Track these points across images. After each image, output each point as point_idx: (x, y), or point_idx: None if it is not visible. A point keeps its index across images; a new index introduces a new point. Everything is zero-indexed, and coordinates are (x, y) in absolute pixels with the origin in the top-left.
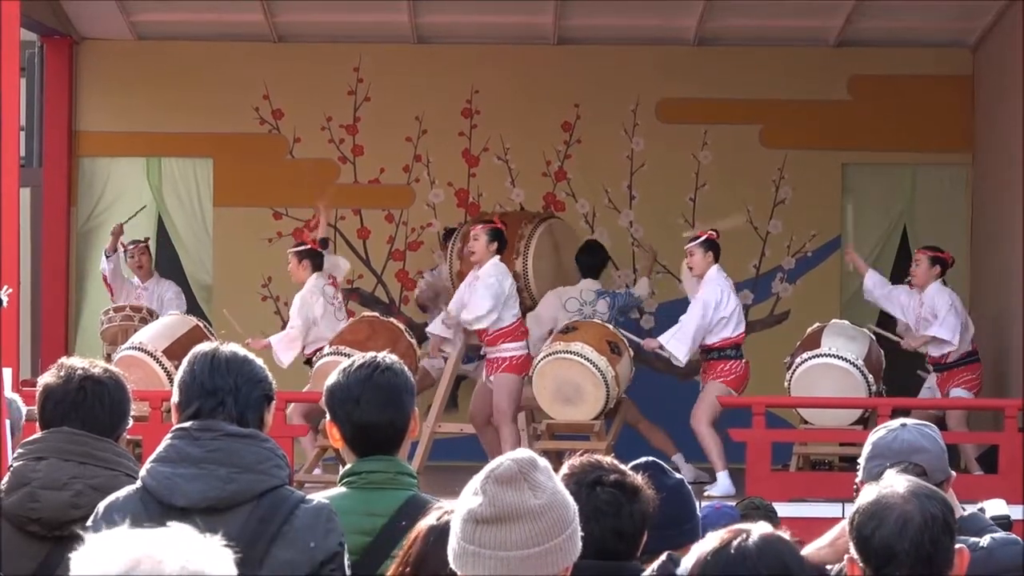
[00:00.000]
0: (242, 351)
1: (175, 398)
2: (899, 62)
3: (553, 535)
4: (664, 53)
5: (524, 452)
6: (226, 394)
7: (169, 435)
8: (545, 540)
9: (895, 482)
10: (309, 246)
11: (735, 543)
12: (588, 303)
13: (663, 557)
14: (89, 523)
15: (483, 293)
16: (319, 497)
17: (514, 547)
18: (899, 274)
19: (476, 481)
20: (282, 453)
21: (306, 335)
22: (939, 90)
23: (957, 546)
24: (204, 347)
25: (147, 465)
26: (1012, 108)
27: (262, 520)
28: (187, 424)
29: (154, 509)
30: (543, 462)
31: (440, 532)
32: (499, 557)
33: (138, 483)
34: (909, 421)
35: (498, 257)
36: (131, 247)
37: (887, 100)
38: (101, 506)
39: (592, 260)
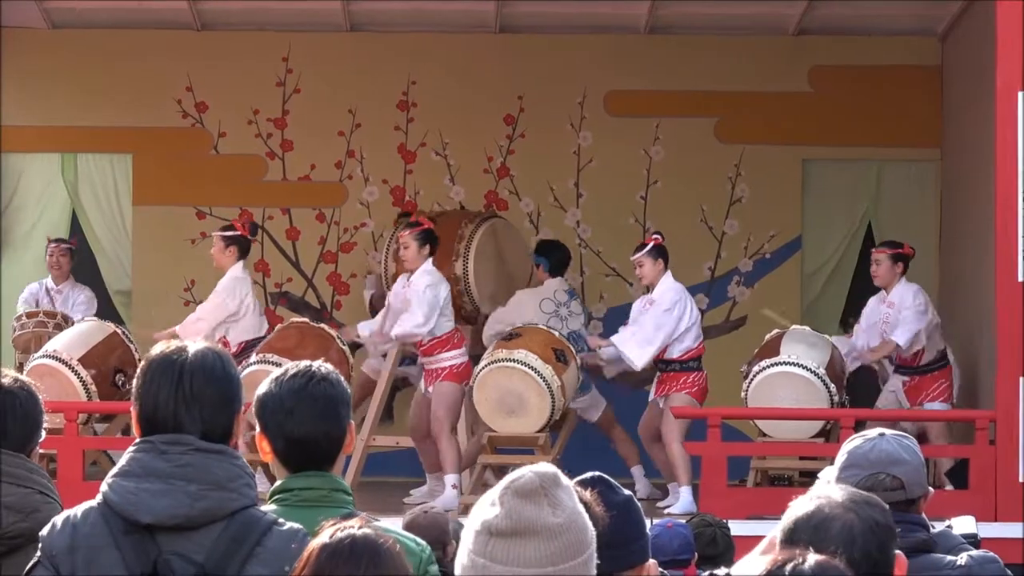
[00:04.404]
0: (211, 355)
1: (135, 408)
2: (863, 52)
3: (568, 557)
4: (613, 42)
5: (547, 467)
6: (193, 405)
7: (132, 448)
8: (559, 561)
9: (830, 491)
10: (239, 232)
11: (789, 566)
12: (563, 304)
13: None
14: (43, 538)
15: (417, 305)
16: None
17: (527, 564)
18: (862, 277)
19: (494, 492)
20: (251, 471)
21: (221, 326)
22: (905, 81)
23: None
24: (166, 350)
25: (108, 479)
26: (983, 100)
27: (234, 540)
28: (152, 437)
29: (117, 526)
30: (566, 480)
31: (332, 551)
32: (510, 573)
33: (98, 498)
34: (887, 431)
35: (431, 261)
36: (52, 246)
37: (850, 92)
38: (58, 520)
39: (558, 257)
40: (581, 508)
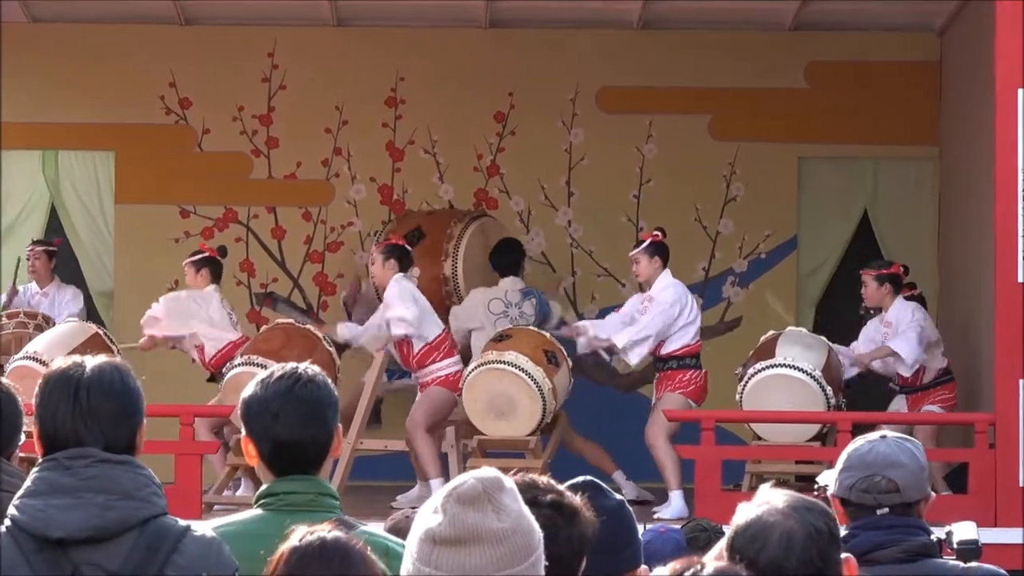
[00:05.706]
0: (108, 368)
1: (35, 427)
2: (860, 47)
3: (515, 562)
4: (605, 37)
5: (490, 471)
6: (92, 420)
7: (36, 468)
8: (506, 567)
9: (772, 497)
10: (207, 254)
11: (688, 573)
12: (514, 304)
13: None
14: None
15: (399, 302)
16: (227, 521)
17: (473, 571)
18: (846, 270)
19: (436, 499)
20: (158, 482)
21: (181, 336)
22: (903, 78)
23: (844, 555)
24: (63, 365)
25: (15, 501)
26: (982, 97)
27: (149, 548)
28: (56, 454)
29: (28, 545)
30: (510, 483)
31: (302, 553)
32: None
33: (7, 521)
34: (891, 434)
35: (400, 274)
36: (29, 249)
37: (847, 88)
38: None
39: (508, 258)
40: (527, 511)
